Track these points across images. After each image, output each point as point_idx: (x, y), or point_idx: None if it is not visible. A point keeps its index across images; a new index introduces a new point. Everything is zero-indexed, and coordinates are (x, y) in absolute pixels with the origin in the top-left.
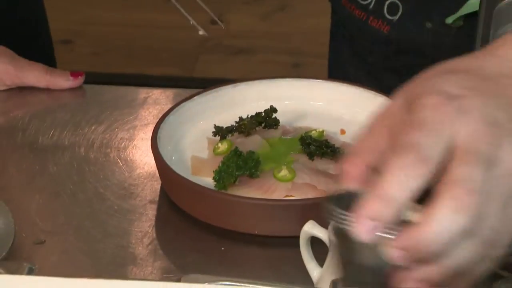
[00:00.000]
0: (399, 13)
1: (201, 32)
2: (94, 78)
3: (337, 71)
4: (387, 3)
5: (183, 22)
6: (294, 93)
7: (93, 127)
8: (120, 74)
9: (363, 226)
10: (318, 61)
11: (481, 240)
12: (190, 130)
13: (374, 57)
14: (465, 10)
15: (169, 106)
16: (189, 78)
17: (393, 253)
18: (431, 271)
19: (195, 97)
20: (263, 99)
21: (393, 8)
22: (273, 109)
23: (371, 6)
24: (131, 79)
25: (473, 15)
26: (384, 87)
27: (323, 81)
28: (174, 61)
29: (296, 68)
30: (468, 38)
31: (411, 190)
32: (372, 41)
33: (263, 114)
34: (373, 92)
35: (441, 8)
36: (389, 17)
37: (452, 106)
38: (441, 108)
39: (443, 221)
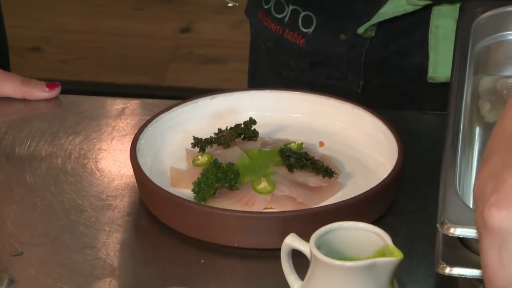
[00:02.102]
0: (314, 26)
1: (230, 4)
2: (63, 86)
3: (256, 84)
4: (301, 15)
5: (153, 30)
6: (274, 104)
7: (70, 138)
8: (90, 82)
9: None
10: None
11: None
12: (169, 141)
13: (290, 71)
14: (375, 19)
15: (147, 117)
16: (160, 87)
17: None
18: None
19: (174, 108)
20: (242, 110)
21: (307, 21)
22: (252, 121)
23: (286, 19)
24: (101, 87)
25: (386, 25)
26: None
27: (303, 93)
28: (144, 70)
29: None
30: (382, 49)
31: None
32: (288, 55)
33: (243, 125)
34: (351, 105)
35: (354, 19)
36: (304, 30)
37: None
38: None
39: None
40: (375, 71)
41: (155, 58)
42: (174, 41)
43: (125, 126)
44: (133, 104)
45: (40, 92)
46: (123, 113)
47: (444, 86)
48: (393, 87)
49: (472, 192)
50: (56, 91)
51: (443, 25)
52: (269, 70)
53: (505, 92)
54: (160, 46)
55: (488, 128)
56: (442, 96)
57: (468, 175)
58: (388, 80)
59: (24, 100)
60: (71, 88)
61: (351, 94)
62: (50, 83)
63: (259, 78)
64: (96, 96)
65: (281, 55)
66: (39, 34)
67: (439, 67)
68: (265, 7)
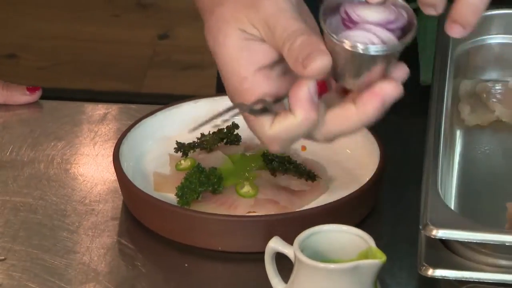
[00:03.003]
0: None
1: None
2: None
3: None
4: None
5: (131, 37)
6: None
7: (52, 143)
8: (67, 89)
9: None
10: None
11: None
12: (152, 146)
13: None
14: None
15: (130, 122)
16: (138, 93)
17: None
18: None
19: (157, 113)
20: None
21: None
22: (235, 125)
23: None
24: (78, 94)
25: None
26: None
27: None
28: (122, 76)
29: None
30: None
31: None
32: None
33: (225, 130)
34: None
35: None
36: None
37: None
38: None
39: None
40: None
41: (133, 65)
42: (152, 47)
43: (108, 131)
44: (115, 109)
45: (21, 96)
46: (105, 118)
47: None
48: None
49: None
50: (37, 94)
51: (430, 26)
52: None
53: (484, 95)
54: (138, 52)
55: (468, 131)
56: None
57: (449, 177)
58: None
59: (4, 106)
60: (48, 95)
61: None
62: (31, 87)
63: None
64: (76, 101)
65: None
66: (14, 40)
67: (430, 70)
68: None
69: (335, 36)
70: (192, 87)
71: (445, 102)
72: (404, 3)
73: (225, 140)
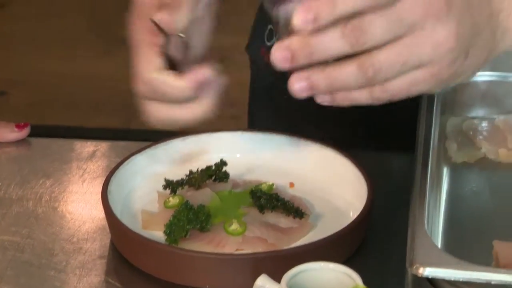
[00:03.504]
0: None
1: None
2: (31, 130)
3: (255, 125)
4: None
5: (122, 73)
6: (244, 146)
7: (41, 181)
8: (57, 126)
9: (303, 14)
10: None
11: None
12: (140, 183)
13: (294, 107)
14: None
15: (118, 159)
16: (128, 130)
17: (298, 13)
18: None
19: (145, 150)
20: (213, 152)
21: None
22: (223, 163)
23: None
24: (68, 131)
25: None
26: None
27: (273, 134)
28: (112, 113)
29: (234, 120)
30: None
31: (353, 7)
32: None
33: (213, 167)
34: (320, 145)
35: None
36: None
37: None
38: None
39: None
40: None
41: (123, 101)
42: None
43: (96, 168)
44: (104, 146)
45: (9, 133)
46: (94, 155)
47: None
48: (403, 119)
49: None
50: (26, 131)
51: None
52: (269, 110)
53: (471, 132)
54: (128, 89)
55: (455, 168)
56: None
57: (436, 214)
58: (394, 112)
59: None
60: (38, 132)
61: (353, 132)
62: (20, 124)
63: (258, 119)
64: (65, 138)
65: (286, 89)
66: (5, 77)
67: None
68: (268, 43)
69: (271, 10)
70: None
71: (432, 139)
72: None
73: (213, 177)
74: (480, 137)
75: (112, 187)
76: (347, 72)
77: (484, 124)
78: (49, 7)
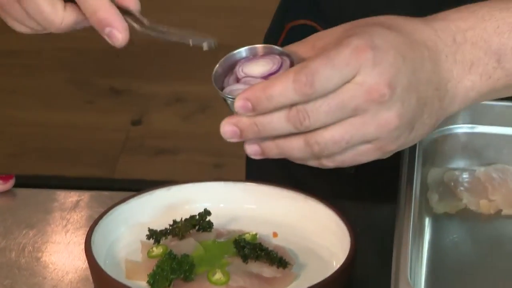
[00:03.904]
0: None
1: (206, 48)
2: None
3: (253, 174)
4: None
5: (104, 123)
6: (228, 196)
7: (24, 231)
8: (39, 176)
9: (241, 103)
10: (239, 162)
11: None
12: (124, 233)
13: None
14: None
15: (102, 209)
16: (110, 179)
17: (237, 101)
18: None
19: (129, 200)
20: (197, 201)
21: None
22: (207, 212)
23: None
24: (51, 181)
25: None
26: (303, 187)
27: (256, 184)
28: (94, 162)
29: (217, 169)
30: None
31: (290, 100)
32: None
33: (197, 217)
34: (303, 195)
35: None
36: None
37: (368, 54)
38: (358, 52)
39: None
40: None
41: (105, 151)
42: (125, 133)
43: (80, 218)
44: (87, 196)
45: None
46: (77, 205)
47: None
48: (387, 170)
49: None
50: (10, 183)
51: None
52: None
53: (452, 184)
54: (111, 138)
55: (437, 219)
56: None
57: (419, 265)
58: (382, 163)
59: None
60: (19, 182)
61: (343, 175)
62: (4, 175)
63: (256, 167)
64: (49, 189)
65: None
66: None
67: None
68: None
69: (220, 91)
70: (165, 173)
71: (414, 190)
72: (287, 51)
73: (197, 227)
74: (461, 188)
75: (95, 237)
76: (295, 145)
77: (465, 175)
78: (30, 59)
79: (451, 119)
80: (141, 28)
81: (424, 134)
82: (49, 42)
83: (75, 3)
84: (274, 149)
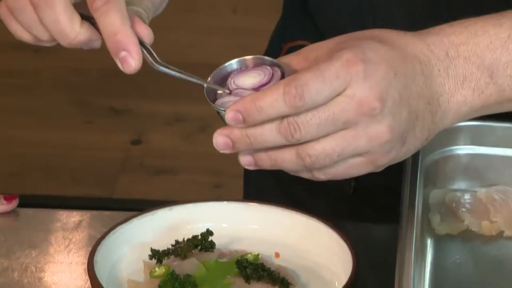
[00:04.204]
0: None
1: (220, 91)
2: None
3: (250, 193)
4: None
5: (104, 142)
6: (230, 216)
7: (26, 251)
8: (38, 196)
9: (231, 115)
10: (239, 181)
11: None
12: (126, 252)
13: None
14: None
15: (104, 228)
16: (110, 199)
17: (228, 113)
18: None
19: (132, 219)
20: (199, 221)
21: None
22: (209, 232)
23: None
24: (50, 200)
25: None
26: (302, 207)
27: (258, 204)
28: (93, 182)
29: (217, 189)
30: None
31: (280, 112)
32: None
33: (200, 237)
34: (305, 216)
35: None
36: None
37: (359, 67)
38: (349, 65)
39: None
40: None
41: (105, 170)
42: (125, 152)
43: (82, 238)
44: (89, 216)
45: None
46: (79, 225)
47: None
48: (385, 190)
49: None
50: (14, 203)
51: None
52: (265, 173)
53: (454, 205)
54: (111, 157)
55: (439, 240)
56: None
57: (421, 286)
58: (380, 183)
59: None
60: (21, 202)
61: (344, 197)
62: (8, 195)
63: (254, 186)
64: (51, 209)
65: None
66: None
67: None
68: None
69: (212, 104)
70: (164, 192)
71: (416, 211)
72: (278, 62)
73: (199, 247)
74: (463, 209)
75: (98, 257)
76: (287, 157)
77: (467, 196)
78: (30, 79)
79: (452, 140)
80: (152, 62)
81: (416, 148)
82: (49, 62)
83: (90, 22)
84: (267, 161)
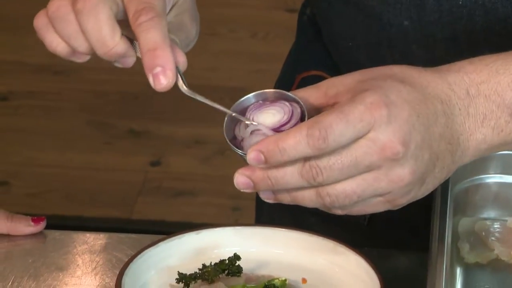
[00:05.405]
0: None
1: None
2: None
3: (262, 218)
4: None
5: (123, 164)
6: (257, 240)
7: (54, 274)
8: (58, 216)
9: (253, 155)
10: None
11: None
12: (153, 276)
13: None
14: None
15: (131, 252)
16: (128, 220)
17: (250, 153)
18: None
19: (159, 243)
20: (226, 246)
21: None
22: (236, 257)
23: None
24: (69, 221)
25: None
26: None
27: (286, 229)
28: (112, 203)
29: (236, 212)
30: None
31: (303, 154)
32: None
33: (227, 261)
34: (333, 242)
35: None
36: None
37: (383, 111)
38: (373, 109)
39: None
40: None
41: (124, 192)
42: (143, 174)
43: (109, 260)
44: (116, 238)
45: (25, 227)
46: (106, 248)
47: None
48: (400, 222)
49: None
50: (41, 225)
51: None
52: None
53: (483, 233)
54: (129, 179)
55: (468, 269)
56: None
57: None
58: (395, 215)
59: (7, 236)
60: (49, 223)
61: (358, 227)
62: (36, 217)
63: (267, 213)
64: (80, 231)
65: None
66: (6, 168)
67: None
68: None
69: (231, 145)
70: (182, 215)
71: (446, 240)
72: (295, 97)
73: (226, 272)
74: (493, 238)
75: (125, 280)
76: (306, 195)
77: (496, 225)
78: (51, 101)
79: (482, 168)
80: (182, 86)
81: (435, 187)
82: (69, 83)
83: (128, 38)
84: (287, 197)
